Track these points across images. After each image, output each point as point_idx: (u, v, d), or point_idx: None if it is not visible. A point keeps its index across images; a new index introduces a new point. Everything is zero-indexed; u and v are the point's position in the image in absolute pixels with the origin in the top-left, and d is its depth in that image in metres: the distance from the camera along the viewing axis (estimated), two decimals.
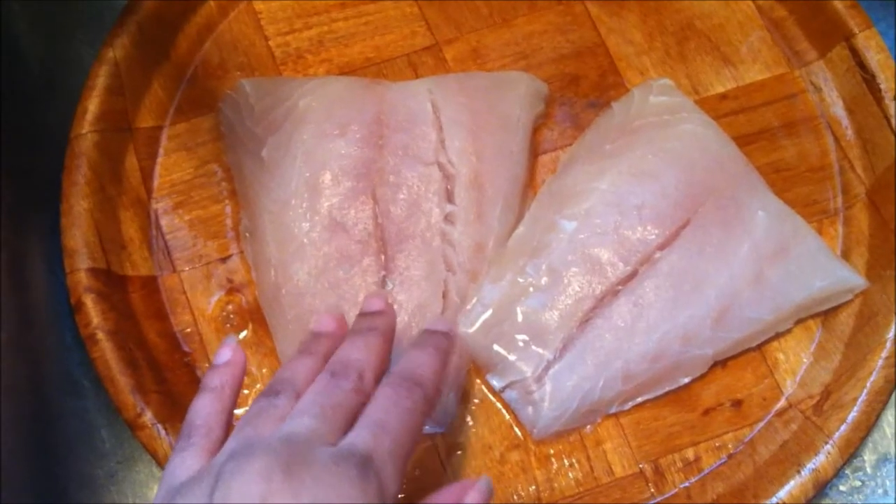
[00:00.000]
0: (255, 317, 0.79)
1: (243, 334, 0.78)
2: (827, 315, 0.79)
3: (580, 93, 0.87)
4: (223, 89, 0.85)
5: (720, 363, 0.77)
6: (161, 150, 0.84)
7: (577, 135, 0.85)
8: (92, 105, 0.81)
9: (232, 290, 0.80)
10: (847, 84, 0.85)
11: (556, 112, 0.86)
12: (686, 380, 0.76)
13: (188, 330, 0.79)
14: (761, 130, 0.85)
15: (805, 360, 0.78)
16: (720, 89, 0.87)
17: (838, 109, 0.86)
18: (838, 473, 0.74)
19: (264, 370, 0.77)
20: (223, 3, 0.88)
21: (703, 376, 0.77)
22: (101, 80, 0.81)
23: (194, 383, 0.77)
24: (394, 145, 0.79)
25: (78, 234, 0.77)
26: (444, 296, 0.76)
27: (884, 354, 0.75)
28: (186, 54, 0.87)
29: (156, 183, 0.83)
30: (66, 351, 0.79)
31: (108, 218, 0.79)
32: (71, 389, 0.78)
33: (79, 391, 0.78)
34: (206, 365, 0.77)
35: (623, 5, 0.89)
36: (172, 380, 0.76)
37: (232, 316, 0.79)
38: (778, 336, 0.78)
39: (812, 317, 0.79)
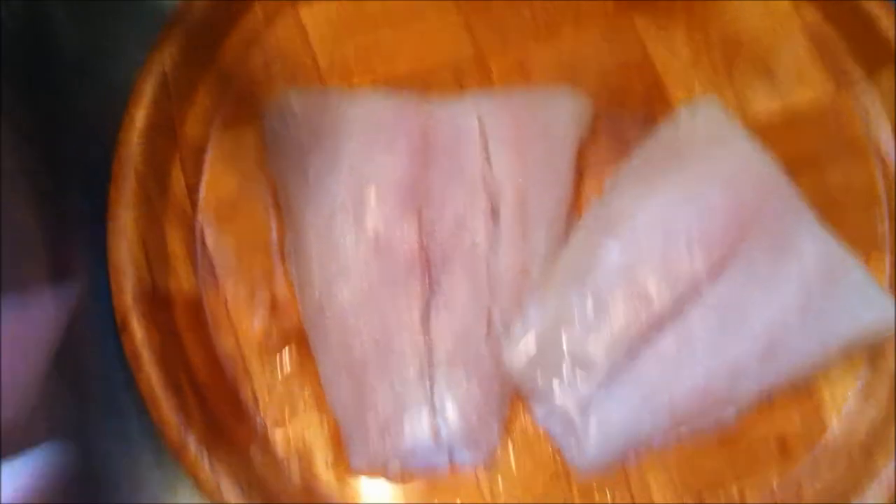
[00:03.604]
0: (299, 337, 0.78)
1: (285, 353, 0.78)
2: (874, 351, 0.79)
3: (626, 108, 0.86)
4: (268, 100, 0.84)
5: (766, 398, 0.77)
6: (206, 161, 0.83)
7: (622, 150, 0.84)
8: (139, 114, 0.80)
9: (275, 308, 0.79)
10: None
11: (601, 128, 0.85)
12: (732, 414, 0.76)
13: (231, 349, 0.78)
14: (807, 153, 0.84)
15: (851, 397, 0.78)
16: (766, 108, 0.86)
17: (885, 133, 0.85)
18: None
19: (306, 392, 0.77)
20: (269, 14, 0.86)
21: (748, 411, 0.76)
22: (148, 88, 0.80)
23: (235, 404, 0.77)
24: (440, 163, 0.78)
25: (124, 248, 0.76)
26: (488, 320, 0.76)
27: None
28: (232, 64, 0.85)
29: (201, 195, 0.82)
30: (111, 372, 0.78)
31: (154, 232, 0.79)
32: (114, 411, 0.78)
33: (122, 413, 0.78)
34: (248, 385, 0.77)
35: (670, 19, 0.88)
36: (213, 400, 0.76)
37: (275, 335, 0.78)
38: (824, 372, 0.78)
39: (859, 353, 0.79)
